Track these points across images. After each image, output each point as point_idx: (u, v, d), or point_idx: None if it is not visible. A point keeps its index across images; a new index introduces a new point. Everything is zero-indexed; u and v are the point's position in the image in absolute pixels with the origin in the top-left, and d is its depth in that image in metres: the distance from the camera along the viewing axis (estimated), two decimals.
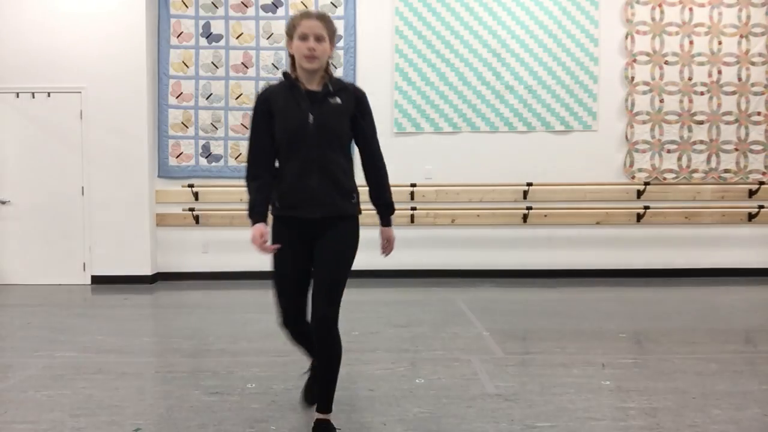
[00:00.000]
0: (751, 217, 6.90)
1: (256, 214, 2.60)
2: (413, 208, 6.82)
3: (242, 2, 6.80)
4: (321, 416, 2.67)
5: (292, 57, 2.63)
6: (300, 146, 2.57)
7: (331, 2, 6.80)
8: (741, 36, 6.81)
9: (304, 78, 2.62)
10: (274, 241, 2.65)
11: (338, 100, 2.62)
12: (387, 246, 2.80)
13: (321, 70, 2.63)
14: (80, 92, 6.65)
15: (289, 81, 2.63)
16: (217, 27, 6.82)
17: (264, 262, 7.30)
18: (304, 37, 2.55)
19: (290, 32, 2.60)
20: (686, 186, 6.91)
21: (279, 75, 6.71)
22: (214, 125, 6.85)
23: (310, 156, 2.56)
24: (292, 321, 2.73)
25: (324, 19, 2.60)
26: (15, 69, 6.63)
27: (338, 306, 2.59)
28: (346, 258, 2.64)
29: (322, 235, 2.61)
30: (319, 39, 2.55)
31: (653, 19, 6.80)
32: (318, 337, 2.58)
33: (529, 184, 6.84)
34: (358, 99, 2.67)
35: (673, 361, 3.84)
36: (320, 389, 2.68)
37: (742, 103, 6.85)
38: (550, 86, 6.85)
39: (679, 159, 6.87)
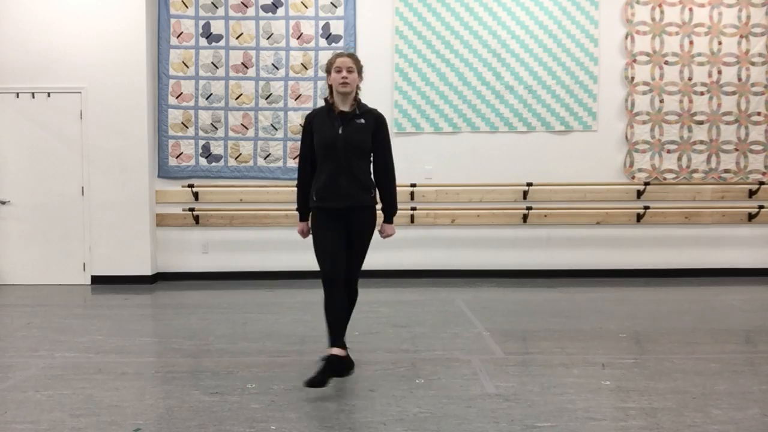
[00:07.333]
0: (751, 217, 6.90)
1: (299, 215, 3.61)
2: (413, 208, 6.81)
3: (242, 2, 6.80)
4: (340, 352, 3.34)
5: (330, 87, 3.42)
6: (332, 154, 3.35)
7: (331, 2, 6.79)
8: (741, 36, 6.81)
9: (339, 101, 3.40)
10: (314, 225, 3.49)
11: (362, 120, 3.41)
12: (385, 234, 3.63)
13: (352, 95, 3.41)
14: (80, 92, 6.65)
15: (327, 105, 3.45)
16: (217, 27, 6.81)
17: (263, 262, 7.32)
18: (338, 70, 3.35)
19: (329, 68, 3.40)
20: (686, 186, 6.91)
21: (279, 75, 6.82)
22: (214, 125, 6.84)
23: (339, 162, 3.35)
24: (330, 282, 3.37)
25: (353, 57, 3.44)
26: (15, 69, 6.62)
27: (360, 270, 3.57)
28: (366, 241, 3.53)
29: (350, 220, 3.42)
30: (350, 71, 3.36)
31: (653, 19, 6.80)
32: (349, 289, 3.50)
33: (529, 184, 6.84)
34: (379, 121, 3.47)
35: (673, 361, 3.84)
36: (343, 328, 3.43)
37: (742, 103, 6.84)
38: (549, 86, 6.85)
39: (679, 159, 6.87)
